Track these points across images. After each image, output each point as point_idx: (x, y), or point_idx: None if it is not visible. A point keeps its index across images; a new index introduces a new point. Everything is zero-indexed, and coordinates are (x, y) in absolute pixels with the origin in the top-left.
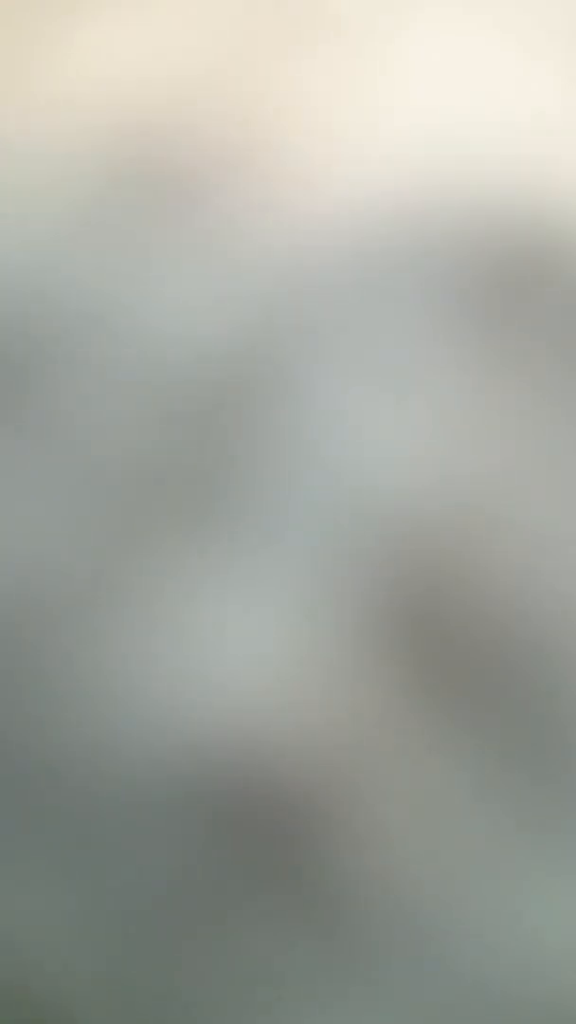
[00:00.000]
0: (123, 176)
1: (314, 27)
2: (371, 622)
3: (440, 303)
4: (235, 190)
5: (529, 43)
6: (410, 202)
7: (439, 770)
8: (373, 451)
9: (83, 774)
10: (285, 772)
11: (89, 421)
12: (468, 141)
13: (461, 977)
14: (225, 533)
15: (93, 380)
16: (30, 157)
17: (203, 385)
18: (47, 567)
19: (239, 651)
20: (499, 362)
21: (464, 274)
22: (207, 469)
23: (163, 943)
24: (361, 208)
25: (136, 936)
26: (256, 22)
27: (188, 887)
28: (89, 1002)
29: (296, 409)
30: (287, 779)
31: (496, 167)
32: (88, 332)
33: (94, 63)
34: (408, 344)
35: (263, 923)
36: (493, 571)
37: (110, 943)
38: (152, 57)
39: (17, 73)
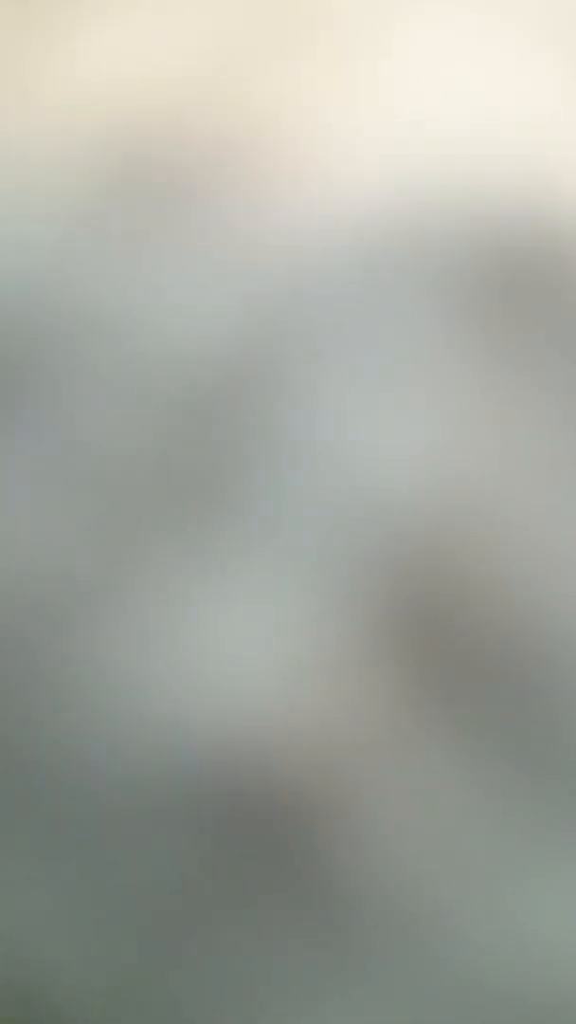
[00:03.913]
0: (122, 177)
1: (312, 28)
2: (372, 623)
3: (440, 302)
4: (234, 191)
5: (528, 41)
6: (409, 202)
7: (439, 770)
8: (374, 452)
9: (83, 776)
10: (285, 773)
11: (88, 422)
12: (467, 140)
13: (460, 976)
14: (225, 533)
15: (92, 381)
16: (29, 158)
17: (203, 385)
18: (46, 568)
19: (239, 652)
20: (500, 361)
21: (464, 273)
22: (207, 470)
23: (163, 943)
24: (360, 208)
25: (136, 937)
26: (254, 23)
27: (188, 887)
28: (89, 1002)
29: (296, 410)
30: (287, 780)
31: (495, 165)
32: (87, 333)
33: (91, 65)
34: (408, 344)
35: (263, 923)
36: (494, 572)
37: (109, 943)
38: (150, 59)
39: (16, 75)
